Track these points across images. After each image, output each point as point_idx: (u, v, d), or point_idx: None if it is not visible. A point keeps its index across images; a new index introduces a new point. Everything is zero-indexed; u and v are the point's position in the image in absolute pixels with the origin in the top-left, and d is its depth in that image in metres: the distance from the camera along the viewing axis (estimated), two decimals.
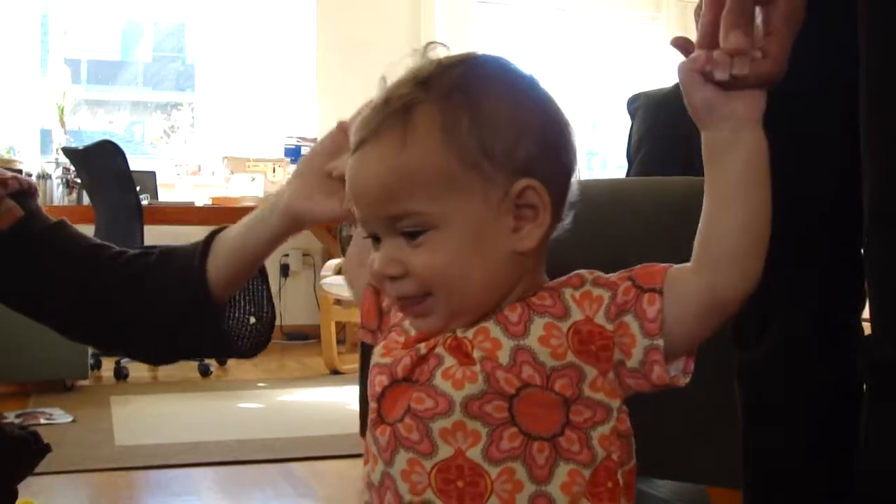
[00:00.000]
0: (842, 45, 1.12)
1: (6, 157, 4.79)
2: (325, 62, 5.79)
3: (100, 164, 4.33)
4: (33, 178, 4.73)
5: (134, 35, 6.58)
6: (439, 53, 0.85)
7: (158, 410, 3.55)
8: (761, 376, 1.24)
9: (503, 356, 0.78)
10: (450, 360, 0.80)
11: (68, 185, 4.86)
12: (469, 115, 0.80)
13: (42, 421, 3.24)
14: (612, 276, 0.81)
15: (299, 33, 5.93)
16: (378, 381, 0.84)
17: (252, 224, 1.19)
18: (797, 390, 1.21)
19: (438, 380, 0.79)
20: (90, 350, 3.81)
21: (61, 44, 5.87)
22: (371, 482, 0.83)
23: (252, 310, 1.22)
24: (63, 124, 5.10)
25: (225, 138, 5.72)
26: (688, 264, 0.80)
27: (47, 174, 4.85)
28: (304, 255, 5.52)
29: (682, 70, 0.80)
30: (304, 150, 5.15)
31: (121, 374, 4.19)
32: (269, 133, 5.65)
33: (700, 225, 0.80)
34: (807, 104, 1.16)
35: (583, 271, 0.82)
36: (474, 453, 0.78)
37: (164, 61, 6.67)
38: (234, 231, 1.21)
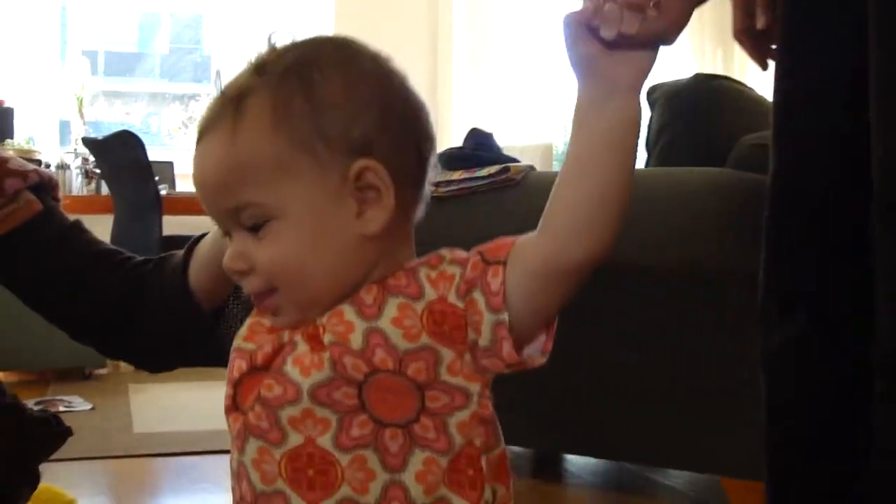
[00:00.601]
0: (848, 38, 1.10)
1: (26, 147, 4.82)
2: None
3: (119, 155, 4.36)
4: (52, 169, 4.77)
5: (151, 27, 6.60)
6: (284, 41, 0.82)
7: (176, 399, 3.57)
8: (776, 368, 1.23)
9: (355, 339, 0.75)
10: (303, 347, 0.77)
11: (87, 175, 4.90)
12: (302, 96, 0.77)
13: (61, 408, 3.27)
14: (468, 253, 0.78)
15: (316, 25, 5.95)
16: (237, 365, 0.82)
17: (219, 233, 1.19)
18: (806, 384, 1.20)
19: (289, 366, 0.77)
20: None
21: (79, 35, 5.91)
22: (233, 470, 0.82)
23: (245, 317, 1.23)
24: (82, 115, 5.13)
25: None
26: (530, 233, 0.76)
27: (66, 165, 4.89)
28: None
29: (567, 22, 0.75)
30: None
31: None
32: None
33: (553, 189, 0.76)
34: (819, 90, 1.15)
35: (444, 250, 0.79)
36: (324, 441, 0.75)
37: (182, 53, 6.70)
38: (207, 240, 1.20)
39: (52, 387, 3.72)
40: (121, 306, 1.25)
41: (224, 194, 0.78)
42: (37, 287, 1.31)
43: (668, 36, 0.76)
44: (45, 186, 1.34)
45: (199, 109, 6.19)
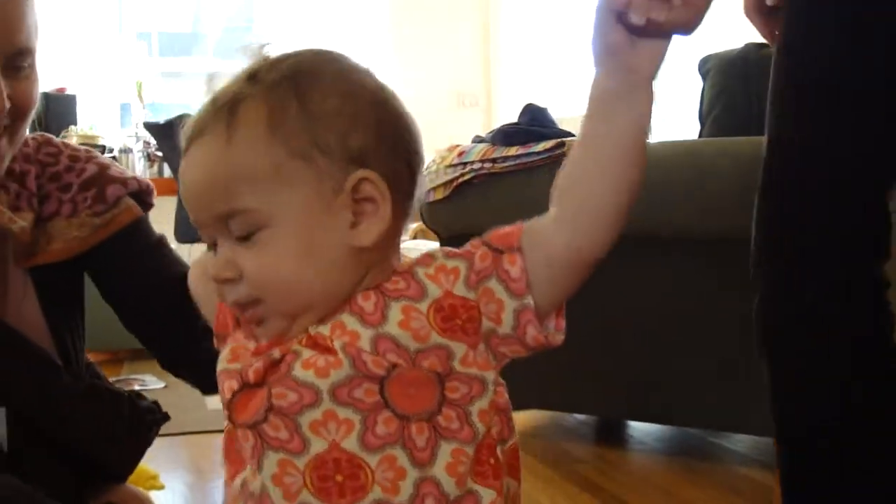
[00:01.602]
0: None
1: (89, 133, 4.93)
2: (397, 29, 5.83)
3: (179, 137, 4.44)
4: (115, 153, 4.88)
5: (204, 7, 6.66)
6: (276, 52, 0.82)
7: None
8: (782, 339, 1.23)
9: (364, 344, 0.74)
10: (308, 353, 0.75)
11: (149, 158, 4.99)
12: (297, 105, 0.76)
13: (136, 387, 3.38)
14: (464, 247, 0.77)
15: (368, 4, 5.98)
16: (227, 386, 0.78)
17: None
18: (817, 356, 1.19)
19: (298, 371, 0.74)
20: None
21: (134, 18, 6.00)
22: (251, 492, 0.77)
23: None
24: (141, 99, 5.23)
25: None
26: (541, 219, 0.76)
27: (128, 149, 4.98)
28: None
29: (600, 7, 0.75)
30: None
31: None
32: None
33: (568, 178, 0.76)
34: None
35: (432, 249, 0.79)
36: (350, 443, 0.73)
37: (235, 35, 6.75)
38: None
39: (125, 365, 3.84)
40: (183, 336, 1.30)
41: (216, 200, 0.77)
42: (121, 291, 1.39)
43: (692, 24, 0.77)
44: (142, 192, 1.42)
45: None
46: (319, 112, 0.76)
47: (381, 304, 0.75)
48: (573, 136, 2.44)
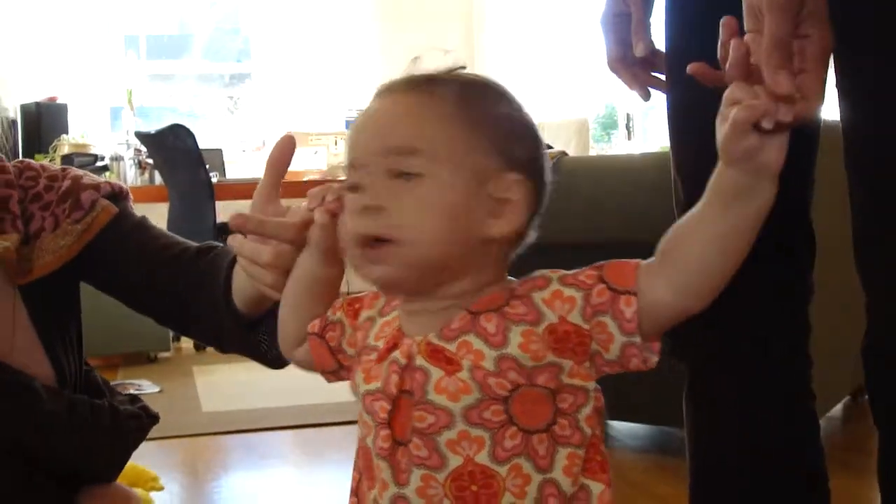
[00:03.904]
0: None
1: (81, 142, 5.00)
2: (382, 30, 5.91)
3: (170, 146, 4.51)
4: (107, 161, 4.96)
5: (191, 10, 6.67)
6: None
7: (239, 378, 3.72)
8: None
9: (489, 364, 0.81)
10: (436, 372, 0.82)
11: (140, 166, 5.05)
12: (482, 102, 0.86)
13: (132, 392, 3.45)
14: (580, 276, 0.83)
15: (355, 3, 6.05)
16: (379, 407, 0.84)
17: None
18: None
19: (433, 395, 0.82)
20: None
21: (122, 22, 6.05)
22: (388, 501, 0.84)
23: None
24: (132, 107, 5.29)
25: (286, 113, 5.89)
26: (656, 267, 0.82)
27: (120, 156, 5.03)
28: None
29: (738, 119, 0.78)
30: None
31: (200, 345, 4.39)
32: (329, 106, 5.80)
33: (681, 246, 0.82)
34: None
35: (545, 271, 0.85)
36: (482, 457, 0.81)
37: (223, 37, 6.78)
38: (238, 279, 1.28)
39: (121, 371, 3.91)
40: (183, 298, 1.39)
41: (399, 132, 0.83)
42: (120, 281, 1.48)
43: (814, 111, 0.79)
44: (115, 195, 1.51)
45: (243, 93, 6.35)
46: (500, 115, 0.86)
47: (502, 326, 0.82)
48: (551, 147, 2.52)
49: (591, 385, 0.84)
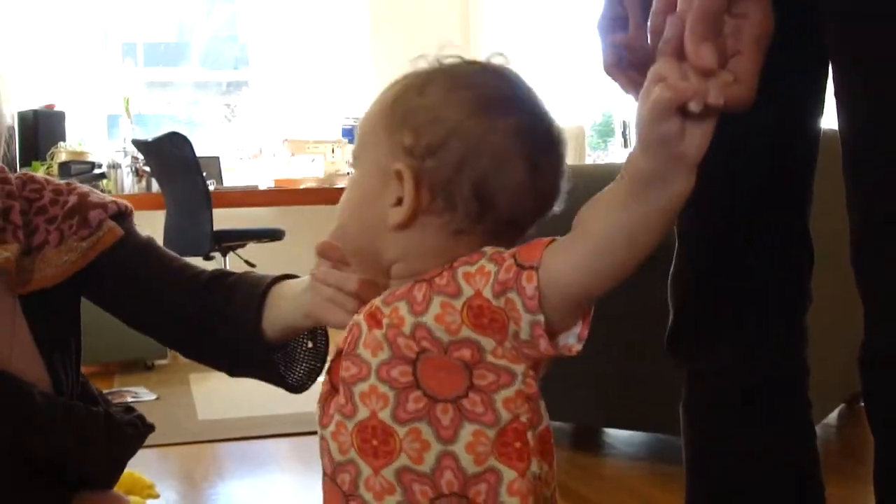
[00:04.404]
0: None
1: (79, 149, 5.00)
2: (378, 39, 5.92)
3: (168, 154, 4.52)
4: (104, 168, 4.96)
5: (188, 17, 6.68)
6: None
7: (234, 386, 3.66)
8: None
9: (406, 329, 0.83)
10: (366, 329, 0.85)
11: (137, 173, 5.05)
12: (415, 92, 0.88)
13: (129, 399, 3.46)
14: (504, 251, 0.83)
15: (351, 11, 6.06)
16: (330, 359, 0.92)
17: (293, 299, 1.28)
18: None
19: (360, 349, 0.85)
20: None
21: (119, 30, 6.05)
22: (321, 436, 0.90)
23: (308, 334, 1.35)
24: (129, 114, 5.29)
25: (283, 121, 5.90)
26: (566, 243, 0.80)
27: (117, 164, 5.03)
28: None
29: (659, 99, 0.72)
30: None
31: None
32: (326, 114, 5.81)
33: (590, 227, 0.78)
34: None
35: (487, 248, 0.84)
36: (384, 414, 0.83)
37: (220, 45, 6.78)
38: (285, 297, 1.30)
39: (117, 378, 3.92)
40: (194, 322, 1.40)
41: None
42: (123, 301, 1.49)
43: (748, 100, 0.74)
44: (121, 214, 1.52)
45: (240, 100, 6.35)
46: (419, 104, 0.87)
47: (427, 295, 0.83)
48: None
49: (520, 368, 0.83)
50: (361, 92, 5.83)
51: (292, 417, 3.13)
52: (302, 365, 1.37)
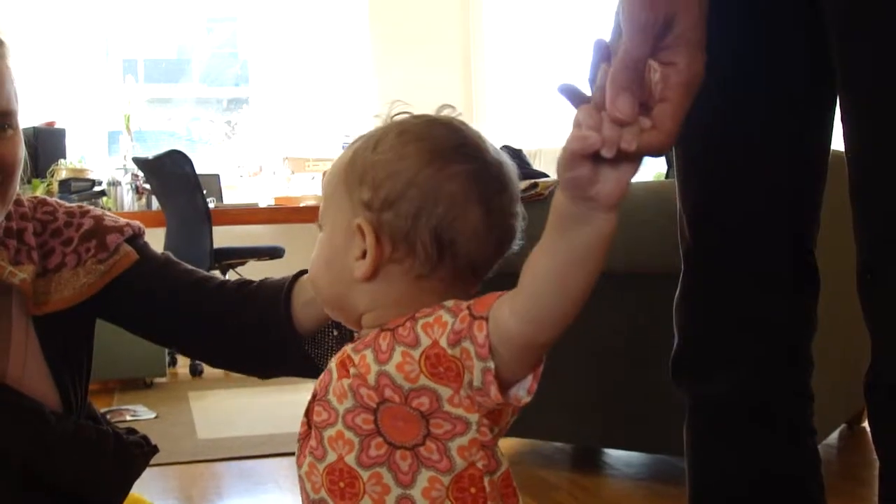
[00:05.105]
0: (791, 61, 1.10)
1: (79, 167, 5.00)
2: (379, 57, 5.93)
3: (169, 172, 4.53)
4: (104, 185, 4.96)
5: (189, 34, 6.71)
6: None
7: (233, 405, 3.74)
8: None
9: (371, 378, 0.86)
10: (336, 377, 0.90)
11: (137, 190, 5.06)
12: (371, 150, 0.91)
13: (128, 417, 3.46)
14: (463, 303, 0.85)
15: (351, 30, 6.08)
16: (314, 389, 0.95)
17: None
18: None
19: (330, 395, 0.90)
20: (166, 349, 4.02)
21: (120, 46, 6.07)
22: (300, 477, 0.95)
23: (333, 323, 1.38)
24: (129, 132, 5.30)
25: (283, 138, 5.91)
26: (511, 294, 0.81)
27: (117, 181, 5.04)
28: None
29: (570, 149, 0.73)
30: None
31: (196, 370, 4.41)
32: (327, 132, 5.82)
33: (527, 273, 0.80)
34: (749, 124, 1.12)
35: (449, 301, 0.86)
36: (350, 459, 0.88)
37: (220, 62, 6.80)
38: (308, 290, 1.33)
39: (116, 396, 3.91)
40: (219, 329, 1.42)
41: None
42: (145, 318, 1.49)
43: (664, 147, 0.74)
44: (136, 237, 1.52)
45: (241, 117, 6.37)
46: (374, 160, 0.91)
47: (391, 345, 0.86)
48: (547, 176, 2.53)
49: (474, 417, 0.85)
50: (362, 110, 5.84)
51: (291, 436, 3.02)
52: (331, 354, 1.39)
